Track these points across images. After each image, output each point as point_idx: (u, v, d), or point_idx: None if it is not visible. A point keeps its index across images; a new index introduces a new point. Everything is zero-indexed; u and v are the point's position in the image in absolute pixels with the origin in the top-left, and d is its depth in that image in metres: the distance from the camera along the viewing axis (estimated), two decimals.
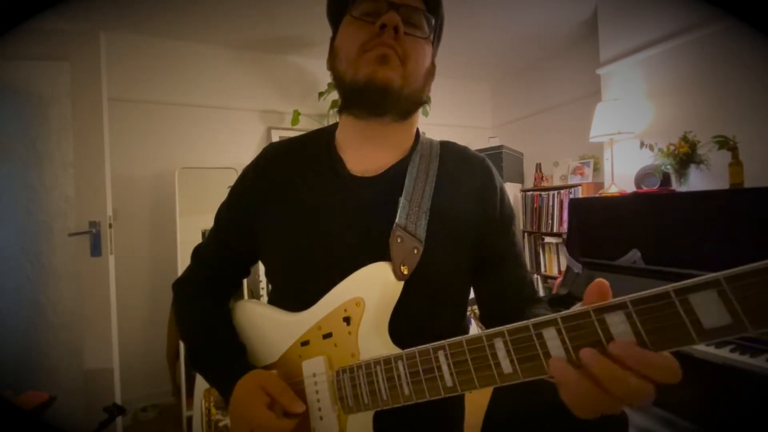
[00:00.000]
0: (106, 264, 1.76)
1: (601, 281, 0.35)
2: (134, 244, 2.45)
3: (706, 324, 0.30)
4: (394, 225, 0.56)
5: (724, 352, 1.20)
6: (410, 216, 0.57)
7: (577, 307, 0.36)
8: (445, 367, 0.43)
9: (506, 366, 0.39)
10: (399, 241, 0.55)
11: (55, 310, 2.01)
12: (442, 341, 0.44)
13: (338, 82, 0.60)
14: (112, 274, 1.79)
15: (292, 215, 0.62)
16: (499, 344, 0.39)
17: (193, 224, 2.35)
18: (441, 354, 0.43)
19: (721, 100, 1.84)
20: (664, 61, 2.07)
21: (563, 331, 0.36)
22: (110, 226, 1.77)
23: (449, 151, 0.67)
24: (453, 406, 0.66)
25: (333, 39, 0.63)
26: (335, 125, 0.69)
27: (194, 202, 2.40)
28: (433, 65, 0.64)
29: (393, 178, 0.61)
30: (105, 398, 1.71)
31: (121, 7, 2.19)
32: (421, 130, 0.71)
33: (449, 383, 0.43)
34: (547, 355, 0.37)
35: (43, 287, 2.00)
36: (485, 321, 0.67)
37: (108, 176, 1.80)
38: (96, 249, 1.74)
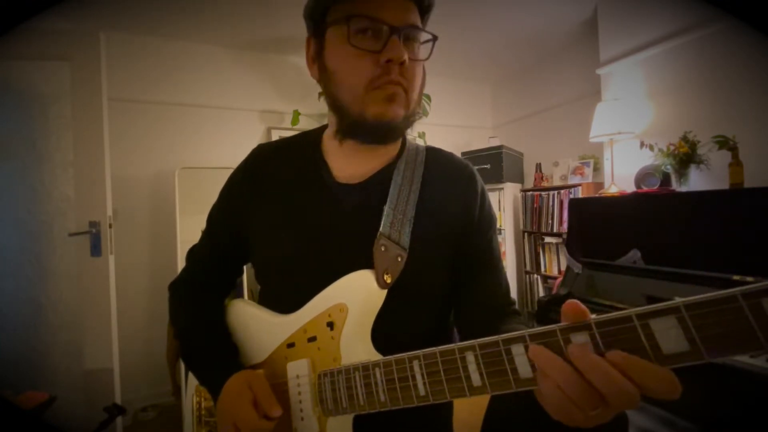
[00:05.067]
0: (106, 264, 1.76)
1: (574, 302, 0.36)
2: (134, 244, 2.45)
3: (665, 349, 0.31)
4: (378, 233, 0.56)
5: None
6: (394, 224, 0.58)
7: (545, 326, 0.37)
8: (419, 377, 0.44)
9: (476, 379, 0.40)
10: (383, 249, 0.55)
11: (55, 310, 2.01)
12: (418, 351, 0.45)
13: (339, 111, 0.59)
14: (112, 274, 1.79)
15: (279, 220, 0.63)
16: (470, 357, 0.40)
17: (193, 224, 2.35)
18: (416, 363, 0.44)
19: (721, 100, 1.84)
20: (664, 61, 2.07)
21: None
22: (110, 226, 1.77)
23: (435, 158, 0.68)
24: (440, 408, 0.66)
25: (317, 46, 0.60)
26: (323, 128, 0.69)
27: (194, 202, 2.40)
28: (424, 71, 0.63)
29: (378, 185, 0.62)
30: (105, 398, 1.71)
31: (121, 7, 2.20)
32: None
33: (422, 392, 0.44)
34: (515, 371, 0.38)
35: (43, 287, 2.00)
36: (460, 329, 0.67)
37: (108, 176, 1.80)
38: (96, 249, 1.74)
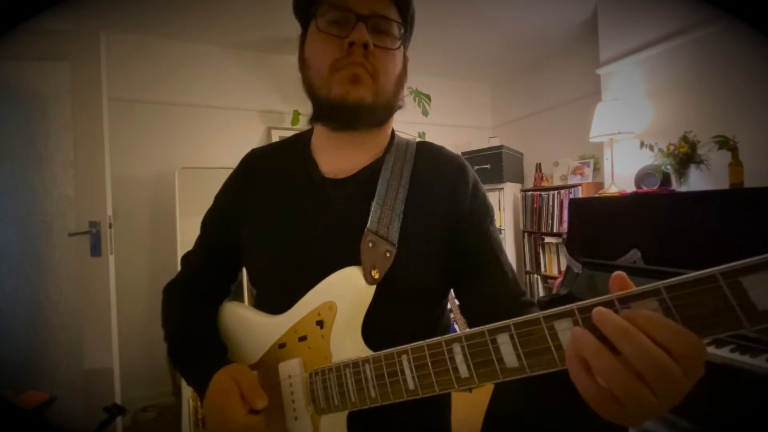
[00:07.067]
0: (106, 264, 1.76)
1: (620, 274, 0.34)
2: (134, 244, 2.45)
3: None
4: (366, 229, 0.56)
5: (724, 352, 1.20)
6: (382, 219, 0.57)
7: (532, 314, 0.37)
8: (407, 371, 0.44)
9: (463, 371, 0.40)
10: (370, 245, 0.55)
11: (55, 310, 2.01)
12: (407, 345, 0.45)
13: (310, 95, 0.61)
14: (112, 274, 1.79)
15: (268, 221, 0.64)
16: (457, 349, 0.41)
17: (193, 224, 2.33)
18: (404, 358, 0.45)
19: (721, 100, 1.84)
20: (664, 61, 2.07)
21: (515, 337, 0.37)
22: (110, 226, 1.77)
23: (424, 152, 0.67)
24: (438, 407, 0.66)
25: (302, 41, 0.63)
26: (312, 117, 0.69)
27: (194, 202, 2.40)
28: (404, 67, 0.63)
29: (365, 180, 0.62)
30: (105, 398, 1.71)
31: (121, 7, 2.19)
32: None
33: (411, 386, 0.44)
34: (501, 360, 0.38)
35: (43, 287, 2.00)
36: (471, 326, 0.65)
37: (108, 176, 1.80)
38: (96, 249, 1.74)
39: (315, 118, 0.63)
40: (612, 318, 0.31)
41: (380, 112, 0.60)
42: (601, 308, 0.32)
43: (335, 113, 0.58)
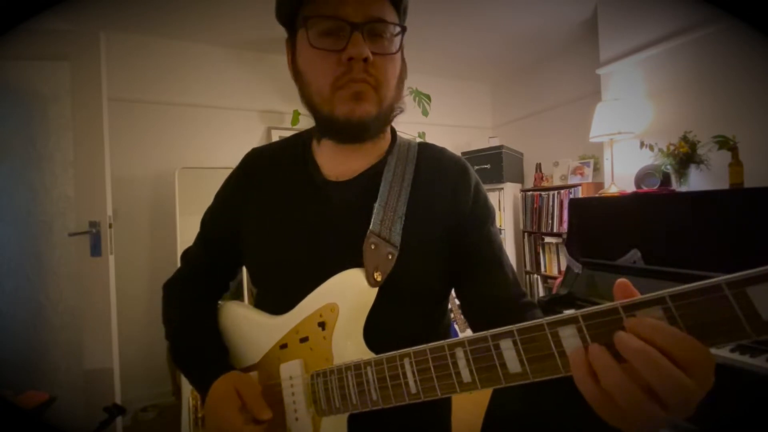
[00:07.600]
0: (106, 264, 1.76)
1: (624, 281, 0.34)
2: (134, 244, 2.45)
3: None
4: (368, 232, 0.56)
5: (724, 352, 1.20)
6: (385, 221, 0.57)
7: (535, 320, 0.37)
8: (410, 374, 0.44)
9: (466, 375, 0.40)
10: (372, 247, 0.55)
11: (55, 310, 2.01)
12: (409, 349, 0.44)
13: (312, 111, 0.59)
14: (112, 274, 1.79)
15: (269, 221, 0.63)
16: (459, 353, 0.40)
17: (193, 224, 2.33)
18: (407, 361, 0.44)
19: (721, 100, 1.84)
20: (664, 61, 2.07)
21: (518, 343, 0.37)
22: (110, 226, 1.77)
23: (426, 153, 0.67)
24: (438, 407, 0.66)
25: (291, 49, 0.61)
26: (314, 128, 0.69)
27: (194, 202, 2.40)
28: (403, 62, 0.61)
29: (368, 182, 0.61)
30: (105, 398, 1.71)
31: (121, 7, 2.19)
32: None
33: (413, 390, 0.44)
34: (504, 366, 0.38)
35: (43, 287, 2.00)
36: (472, 326, 0.65)
37: (108, 176, 1.80)
38: (96, 249, 1.74)
39: (320, 134, 0.63)
40: (634, 343, 0.30)
41: (384, 119, 0.59)
42: (621, 333, 0.31)
43: (341, 131, 0.57)
